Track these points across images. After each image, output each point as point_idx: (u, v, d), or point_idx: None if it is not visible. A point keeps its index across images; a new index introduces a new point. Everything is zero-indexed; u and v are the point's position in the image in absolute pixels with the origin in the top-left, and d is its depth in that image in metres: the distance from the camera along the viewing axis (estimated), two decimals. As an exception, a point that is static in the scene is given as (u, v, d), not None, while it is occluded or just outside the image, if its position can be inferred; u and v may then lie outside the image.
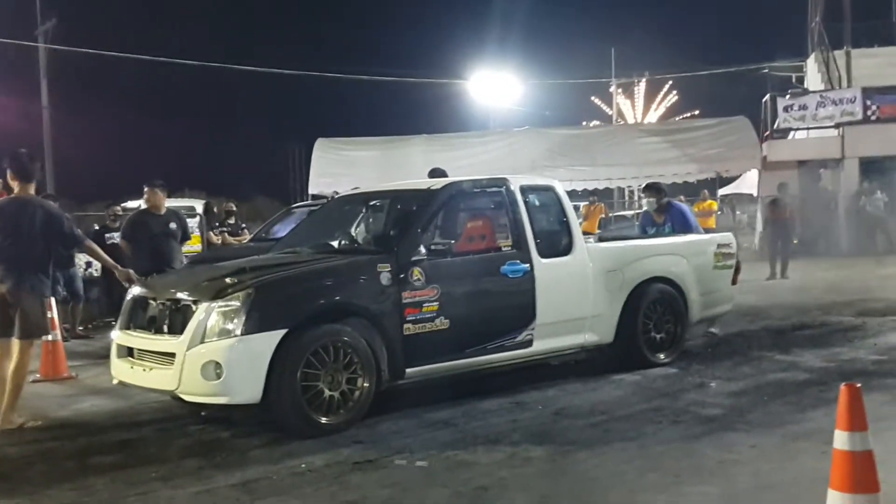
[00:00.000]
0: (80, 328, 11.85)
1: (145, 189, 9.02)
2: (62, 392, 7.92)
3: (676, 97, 44.52)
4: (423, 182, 7.63)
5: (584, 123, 33.02)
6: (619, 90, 43.45)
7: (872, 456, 3.48)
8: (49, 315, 7.23)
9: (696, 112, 39.60)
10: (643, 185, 10.77)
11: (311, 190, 22.20)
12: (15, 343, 6.54)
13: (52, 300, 7.81)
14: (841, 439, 3.38)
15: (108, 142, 47.52)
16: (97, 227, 14.15)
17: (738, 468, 4.82)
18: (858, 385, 3.57)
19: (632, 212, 28.39)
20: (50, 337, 8.29)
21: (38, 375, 8.26)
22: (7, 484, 5.10)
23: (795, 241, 16.36)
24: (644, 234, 9.46)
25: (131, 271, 6.98)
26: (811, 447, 5.12)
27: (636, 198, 29.88)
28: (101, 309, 13.02)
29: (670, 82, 43.42)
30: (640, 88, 45.02)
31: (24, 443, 6.07)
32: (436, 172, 8.79)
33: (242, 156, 57.32)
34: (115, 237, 11.54)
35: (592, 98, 44.66)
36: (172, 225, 8.92)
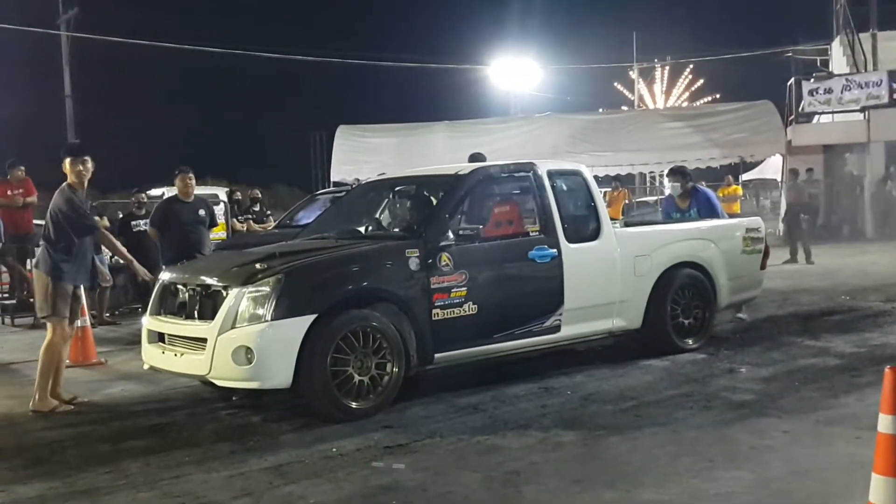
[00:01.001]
0: (107, 315, 11.94)
1: (178, 174, 8.95)
2: (92, 377, 8.00)
3: (701, 81, 44.13)
4: (450, 167, 7.61)
5: (601, 110, 32.82)
6: (639, 76, 43.09)
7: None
8: (81, 301, 7.35)
9: (718, 96, 39.27)
10: (667, 170, 10.70)
11: (333, 177, 22.27)
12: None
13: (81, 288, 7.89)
14: (885, 423, 3.33)
15: (130, 130, 47.85)
16: (122, 215, 14.22)
17: (772, 454, 4.79)
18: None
19: (654, 197, 28.24)
20: (79, 322, 8.38)
21: (67, 361, 8.32)
22: (43, 467, 5.17)
23: (804, 227, 16.34)
24: (669, 220, 9.39)
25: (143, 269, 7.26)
26: (845, 432, 5.10)
27: (658, 183, 29.72)
28: (127, 296, 13.13)
29: (691, 66, 43.09)
30: (663, 73, 44.68)
31: (58, 427, 6.14)
32: (476, 157, 8.74)
33: (263, 144, 57.51)
34: (142, 224, 11.60)
35: (615, 84, 44.39)
36: (202, 212, 8.91)
